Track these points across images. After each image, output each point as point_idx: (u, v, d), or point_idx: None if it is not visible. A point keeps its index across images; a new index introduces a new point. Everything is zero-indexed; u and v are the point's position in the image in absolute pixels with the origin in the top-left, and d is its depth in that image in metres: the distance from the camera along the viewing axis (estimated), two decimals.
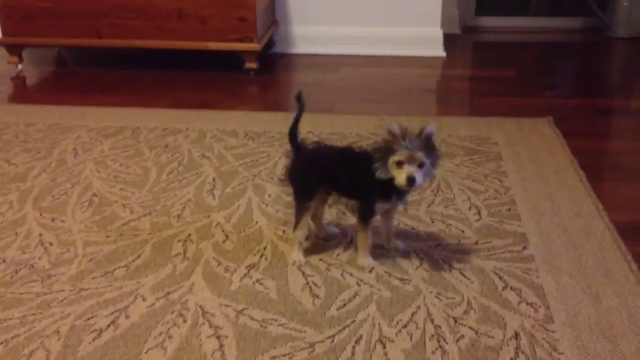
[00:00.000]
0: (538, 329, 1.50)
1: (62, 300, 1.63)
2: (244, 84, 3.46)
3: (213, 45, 3.48)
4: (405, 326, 1.52)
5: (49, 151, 2.53)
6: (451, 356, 1.42)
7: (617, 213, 2.01)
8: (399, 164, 1.56)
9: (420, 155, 1.55)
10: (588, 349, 1.44)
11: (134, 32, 3.49)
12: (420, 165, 1.56)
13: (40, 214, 2.06)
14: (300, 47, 4.00)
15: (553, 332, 1.49)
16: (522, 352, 1.42)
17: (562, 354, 1.42)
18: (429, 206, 2.07)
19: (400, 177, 1.56)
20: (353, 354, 1.43)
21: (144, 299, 1.63)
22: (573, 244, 1.84)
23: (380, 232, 1.82)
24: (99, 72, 3.69)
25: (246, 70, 3.52)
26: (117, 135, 2.68)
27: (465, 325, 1.51)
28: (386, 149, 1.59)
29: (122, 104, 3.07)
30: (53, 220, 2.03)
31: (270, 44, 3.90)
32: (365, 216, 1.72)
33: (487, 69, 3.74)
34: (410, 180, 1.55)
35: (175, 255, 1.82)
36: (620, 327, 1.50)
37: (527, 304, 1.58)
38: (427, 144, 1.58)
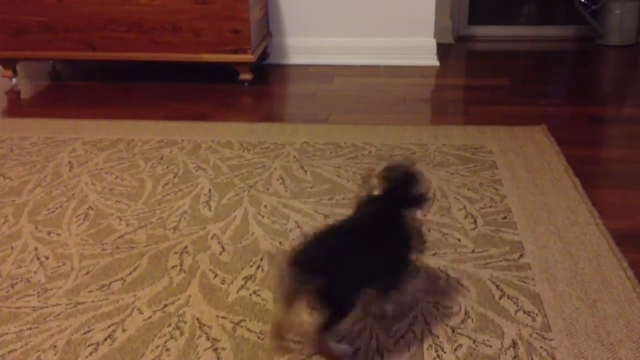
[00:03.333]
0: (536, 337, 1.50)
1: (58, 315, 1.62)
2: (238, 95, 3.47)
3: (207, 57, 3.48)
4: (402, 337, 1.51)
5: (43, 165, 2.52)
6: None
7: (612, 220, 2.01)
8: None
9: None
10: (586, 356, 1.44)
11: (128, 45, 3.50)
12: None
13: (36, 228, 2.05)
14: (294, 58, 4.02)
15: (551, 340, 1.48)
16: None
17: None
18: (425, 215, 2.07)
19: None
20: None
21: (141, 312, 1.62)
22: (569, 252, 1.84)
23: None
24: (93, 85, 3.69)
25: (240, 81, 3.52)
26: (112, 148, 2.68)
27: (463, 335, 1.51)
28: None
29: (116, 117, 3.07)
30: (49, 234, 2.02)
31: (264, 55, 3.92)
32: None
33: (480, 78, 3.75)
34: None
35: (172, 268, 1.82)
36: (617, 334, 1.50)
37: (525, 312, 1.58)
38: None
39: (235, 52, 3.46)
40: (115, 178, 2.40)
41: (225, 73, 3.57)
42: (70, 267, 1.83)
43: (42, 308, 1.65)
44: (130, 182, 2.37)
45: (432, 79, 3.73)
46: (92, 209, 2.17)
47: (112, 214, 2.13)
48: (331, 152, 2.57)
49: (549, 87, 3.69)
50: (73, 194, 2.28)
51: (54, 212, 2.16)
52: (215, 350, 1.49)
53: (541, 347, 1.46)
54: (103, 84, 3.71)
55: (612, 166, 2.52)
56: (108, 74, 3.89)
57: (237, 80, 3.52)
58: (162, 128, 2.90)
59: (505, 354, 1.45)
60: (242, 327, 1.56)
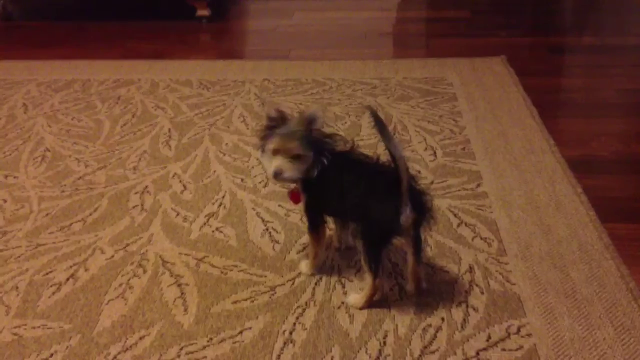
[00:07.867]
0: (492, 262, 1.54)
1: (19, 256, 1.61)
2: (196, 32, 3.39)
3: None
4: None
5: None
6: (408, 292, 1.46)
7: (568, 148, 2.05)
8: (275, 152, 1.36)
9: (294, 145, 1.34)
10: (539, 278, 1.49)
11: None
12: (296, 157, 1.35)
13: None
14: None
15: (506, 264, 1.53)
16: (477, 285, 1.46)
17: (514, 284, 1.46)
18: (386, 148, 2.08)
19: (269, 169, 1.37)
20: (313, 295, 1.46)
21: (103, 252, 1.62)
22: (525, 179, 1.88)
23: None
24: (46, 25, 3.56)
25: (198, 18, 3.44)
26: (67, 89, 2.61)
27: (421, 262, 1.54)
28: (266, 134, 1.38)
29: (70, 57, 2.99)
30: (6, 177, 1.98)
31: None
32: None
33: (441, 10, 3.72)
34: (276, 173, 1.35)
35: (133, 207, 1.81)
36: (570, 257, 1.56)
37: (481, 238, 1.62)
38: (309, 131, 1.35)
39: None
40: (72, 119, 2.36)
41: (182, 10, 3.47)
42: (30, 210, 1.81)
43: (2, 250, 1.64)
44: (87, 123, 2.33)
45: (393, 11, 3.68)
46: (49, 150, 2.13)
47: (70, 156, 2.10)
48: (292, 89, 2.55)
49: (509, 18, 3.68)
50: (29, 137, 2.23)
51: (10, 155, 2.11)
52: (179, 286, 1.50)
53: (496, 271, 1.51)
54: (56, 23, 3.59)
55: (570, 95, 2.56)
56: (61, 13, 3.75)
57: (194, 17, 3.43)
58: (118, 67, 2.83)
59: (462, 279, 1.49)
60: (205, 262, 1.57)
